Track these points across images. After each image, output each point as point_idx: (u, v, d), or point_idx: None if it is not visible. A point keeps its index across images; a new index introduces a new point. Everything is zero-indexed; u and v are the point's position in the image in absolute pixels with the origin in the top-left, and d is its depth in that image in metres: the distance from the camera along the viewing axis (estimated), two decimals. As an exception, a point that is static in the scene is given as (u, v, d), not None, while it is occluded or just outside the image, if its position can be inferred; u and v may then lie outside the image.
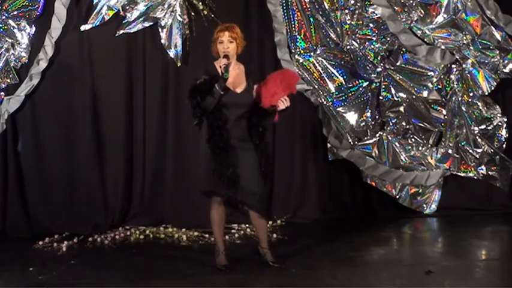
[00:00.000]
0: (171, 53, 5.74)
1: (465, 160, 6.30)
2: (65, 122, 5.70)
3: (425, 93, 6.17)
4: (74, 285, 4.22)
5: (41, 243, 5.20)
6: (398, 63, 6.15)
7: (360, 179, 6.22)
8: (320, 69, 6.11)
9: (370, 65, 6.11)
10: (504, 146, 6.32)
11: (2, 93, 5.57)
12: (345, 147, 6.08)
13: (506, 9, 6.16)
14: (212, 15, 5.68)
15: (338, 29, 6.06)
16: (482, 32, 6.12)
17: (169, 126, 5.85)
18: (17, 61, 5.55)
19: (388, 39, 6.09)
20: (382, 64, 6.15)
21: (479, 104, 6.27)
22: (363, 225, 5.88)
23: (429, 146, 6.27)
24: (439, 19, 6.14)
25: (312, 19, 6.07)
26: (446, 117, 6.23)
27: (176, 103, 5.76)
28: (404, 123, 6.21)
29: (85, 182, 5.70)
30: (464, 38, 6.13)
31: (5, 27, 5.52)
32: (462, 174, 6.33)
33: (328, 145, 6.10)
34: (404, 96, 6.18)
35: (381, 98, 6.19)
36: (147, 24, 5.72)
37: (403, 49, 6.12)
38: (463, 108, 6.24)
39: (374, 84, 6.17)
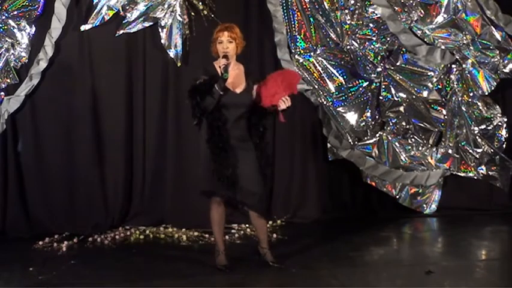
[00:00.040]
0: (171, 53, 5.74)
1: (465, 160, 6.30)
2: (65, 122, 5.70)
3: (425, 93, 6.17)
4: (74, 285, 4.22)
5: (41, 243, 5.20)
6: (398, 63, 6.15)
7: (360, 179, 6.22)
8: (320, 69, 6.11)
9: (370, 65, 6.11)
10: (504, 146, 6.32)
11: (2, 93, 5.57)
12: (345, 147, 6.08)
13: (506, 9, 6.17)
14: (212, 15, 5.68)
15: (338, 29, 6.06)
16: (482, 32, 6.12)
17: (169, 126, 5.85)
18: (17, 61, 5.56)
19: (388, 39, 6.09)
20: (382, 64, 6.15)
21: (479, 104, 6.27)
22: (363, 225, 5.88)
23: (429, 146, 6.27)
24: (439, 19, 6.14)
25: (312, 19, 6.07)
26: (446, 117, 6.23)
27: (176, 103, 5.76)
28: (404, 123, 6.21)
29: (85, 182, 5.70)
30: (464, 38, 6.13)
31: (5, 27, 5.52)
32: (462, 174, 6.33)
33: (328, 145, 6.10)
34: (404, 96, 6.18)
35: (381, 98, 6.19)
36: (147, 24, 5.72)
37: (403, 49, 6.12)
38: (463, 108, 6.24)
39: (374, 84, 6.17)
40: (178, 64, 5.74)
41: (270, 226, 5.54)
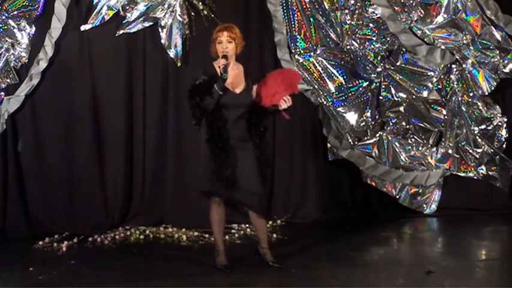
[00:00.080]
0: (171, 53, 5.74)
1: (465, 160, 6.30)
2: (65, 122, 5.70)
3: (425, 93, 6.17)
4: (74, 285, 4.22)
5: (41, 243, 5.20)
6: (398, 63, 6.15)
7: (360, 179, 6.22)
8: (320, 69, 6.11)
9: (370, 65, 6.11)
10: (504, 146, 6.32)
11: (2, 93, 5.57)
12: (345, 147, 6.08)
13: (506, 9, 6.16)
14: (212, 15, 5.68)
15: (338, 29, 6.06)
16: (482, 32, 6.12)
17: (169, 126, 5.85)
18: (17, 61, 5.56)
19: (388, 39, 6.09)
20: (382, 64, 6.15)
21: (479, 104, 6.27)
22: (363, 225, 5.88)
23: (429, 146, 6.27)
24: (439, 19, 6.14)
25: (312, 19, 6.07)
26: (446, 117, 6.23)
27: (176, 103, 5.76)
28: (404, 123, 6.20)
29: (85, 182, 5.70)
30: (464, 38, 6.13)
31: (5, 27, 5.52)
32: (462, 174, 6.33)
33: (328, 145, 6.10)
34: (404, 96, 6.18)
35: (381, 98, 6.19)
36: (147, 24, 5.72)
37: (403, 49, 6.12)
38: (463, 108, 6.24)
39: (374, 84, 6.17)
40: (178, 64, 5.74)
41: (270, 226, 5.54)
